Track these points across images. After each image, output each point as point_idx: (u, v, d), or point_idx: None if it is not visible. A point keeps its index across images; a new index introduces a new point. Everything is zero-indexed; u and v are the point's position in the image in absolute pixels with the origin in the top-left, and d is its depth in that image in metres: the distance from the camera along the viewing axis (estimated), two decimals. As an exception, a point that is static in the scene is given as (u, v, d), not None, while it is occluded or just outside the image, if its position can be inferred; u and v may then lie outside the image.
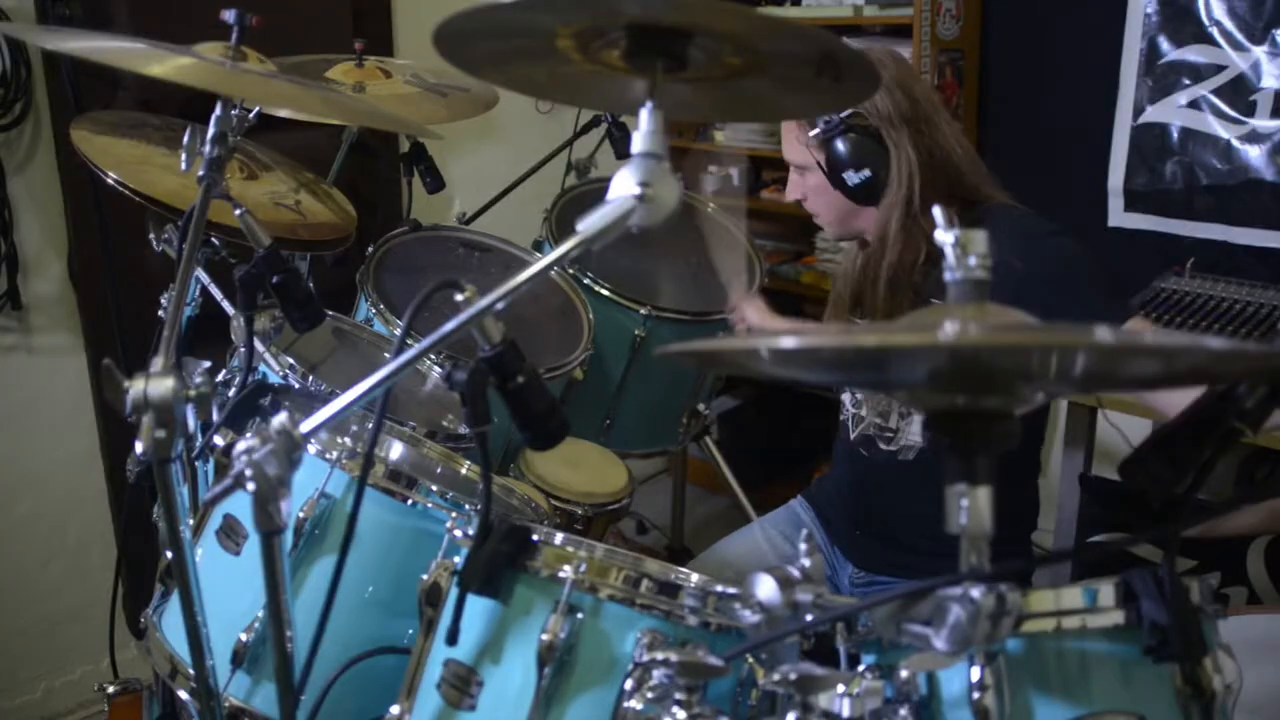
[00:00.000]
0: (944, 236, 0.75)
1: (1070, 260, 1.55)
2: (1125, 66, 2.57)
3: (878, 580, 1.77)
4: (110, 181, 1.53)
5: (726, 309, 2.13)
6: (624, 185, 0.85)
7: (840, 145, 1.60)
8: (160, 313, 1.72)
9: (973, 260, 0.74)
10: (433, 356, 1.75)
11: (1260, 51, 2.36)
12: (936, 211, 0.82)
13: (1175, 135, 2.52)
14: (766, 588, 0.93)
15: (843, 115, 1.59)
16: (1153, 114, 2.55)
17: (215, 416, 1.26)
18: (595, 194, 2.41)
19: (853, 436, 1.76)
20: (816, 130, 1.61)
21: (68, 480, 2.36)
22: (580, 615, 1.02)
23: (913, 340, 0.69)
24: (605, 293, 2.14)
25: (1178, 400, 1.27)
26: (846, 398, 1.80)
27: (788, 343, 0.71)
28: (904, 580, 1.71)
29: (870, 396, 1.75)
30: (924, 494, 1.71)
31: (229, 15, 1.28)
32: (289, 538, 1.23)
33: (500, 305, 0.88)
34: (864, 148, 1.59)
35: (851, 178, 1.61)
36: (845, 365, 0.84)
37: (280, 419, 0.81)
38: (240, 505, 1.27)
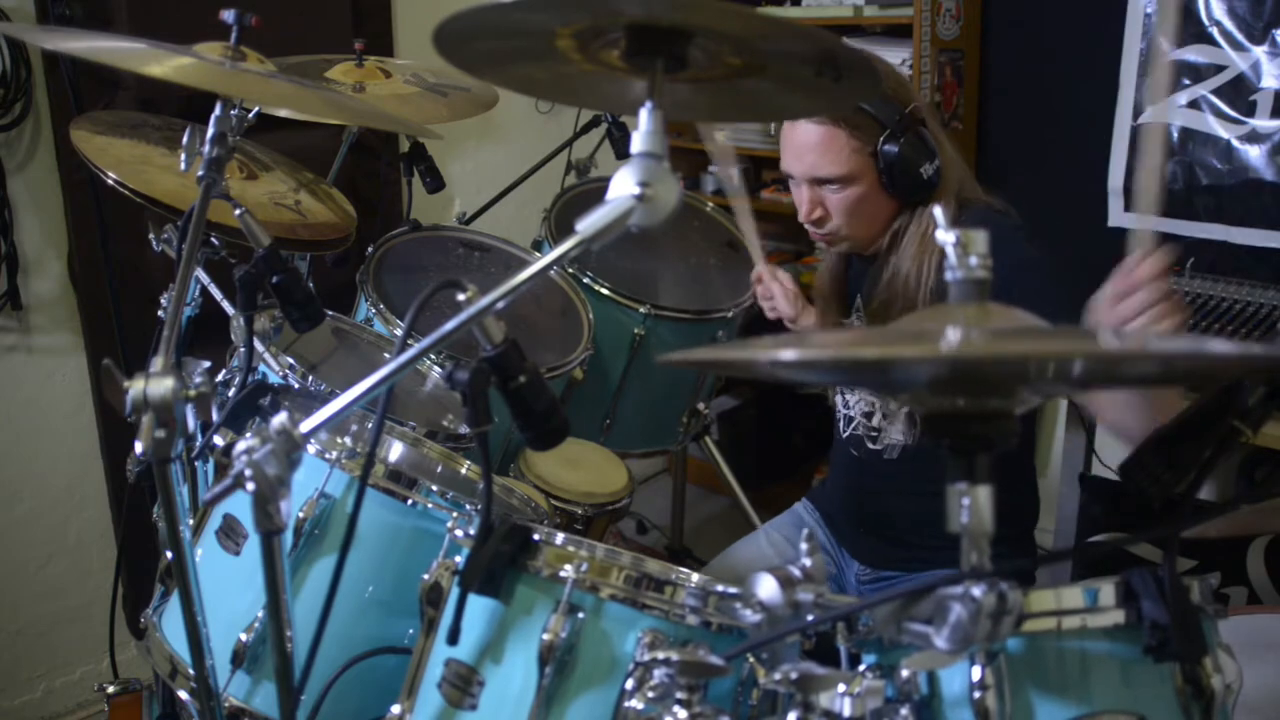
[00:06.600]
0: (945, 236, 0.75)
1: (1027, 262, 1.53)
2: (1125, 66, 2.57)
3: (884, 577, 1.77)
4: (110, 181, 1.53)
5: (752, 278, 1.97)
6: (624, 185, 0.85)
7: (905, 143, 1.55)
8: (160, 313, 1.72)
9: (974, 260, 0.74)
10: (433, 356, 1.75)
11: (1260, 51, 2.36)
12: (936, 211, 0.82)
13: (1175, 135, 2.53)
14: (767, 587, 0.93)
15: (904, 112, 1.55)
16: (1153, 114, 2.55)
17: (215, 416, 1.26)
18: (595, 194, 2.41)
19: (844, 436, 1.77)
20: (886, 132, 1.54)
21: (68, 480, 2.36)
22: (581, 615, 1.02)
23: (915, 352, 0.69)
24: (605, 292, 2.14)
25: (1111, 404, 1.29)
26: (839, 398, 1.80)
27: (787, 355, 0.71)
28: (909, 576, 1.72)
29: (857, 397, 1.75)
30: (911, 490, 1.73)
31: (229, 15, 1.28)
32: (289, 538, 1.23)
33: (501, 305, 0.88)
34: (923, 142, 1.56)
35: (927, 170, 1.56)
36: (846, 371, 0.84)
37: (280, 419, 0.81)
38: (240, 505, 1.27)
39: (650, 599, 1.01)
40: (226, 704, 1.23)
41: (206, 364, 1.16)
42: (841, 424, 1.79)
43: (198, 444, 1.25)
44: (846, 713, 0.85)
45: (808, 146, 1.59)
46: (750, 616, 0.96)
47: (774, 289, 1.92)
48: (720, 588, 1.03)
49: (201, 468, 1.44)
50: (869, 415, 1.73)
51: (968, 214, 1.62)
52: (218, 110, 1.21)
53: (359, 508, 1.05)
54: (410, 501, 1.26)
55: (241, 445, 0.80)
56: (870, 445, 1.73)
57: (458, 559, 1.09)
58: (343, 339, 1.86)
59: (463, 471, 1.51)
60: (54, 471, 2.33)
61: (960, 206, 1.62)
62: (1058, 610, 0.90)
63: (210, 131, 1.21)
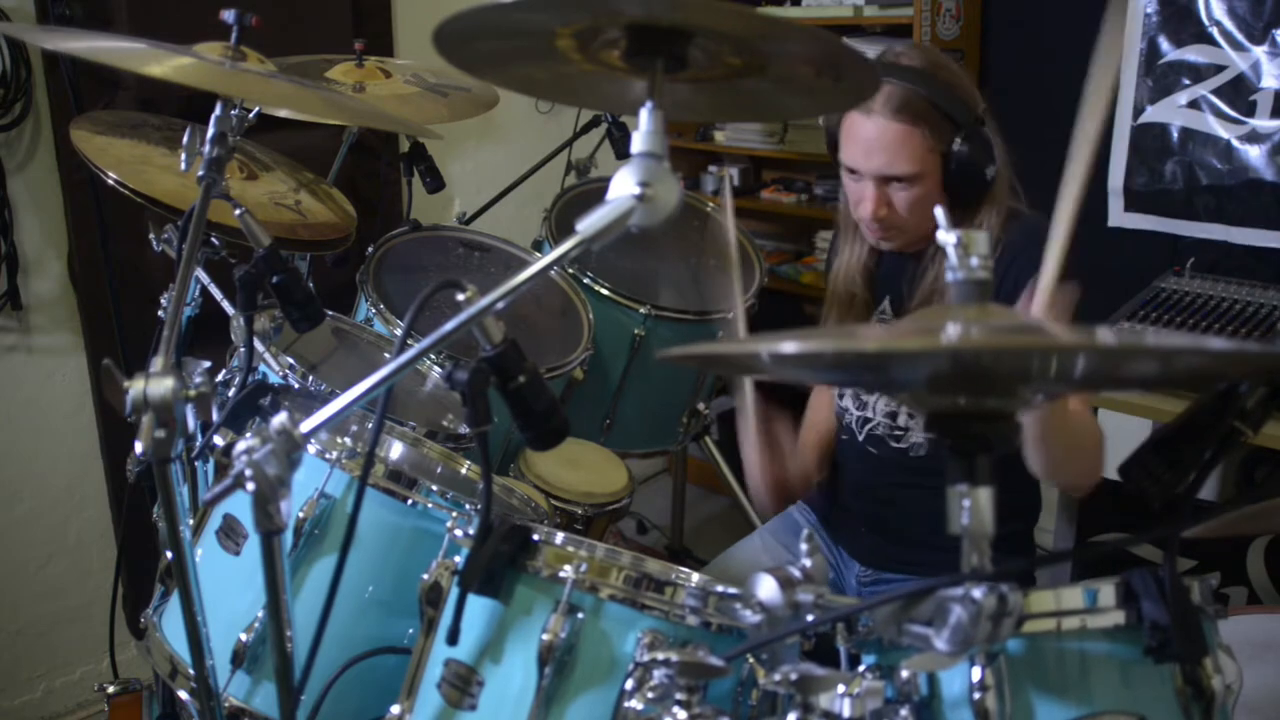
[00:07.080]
0: (945, 237, 0.75)
1: None
2: (1125, 66, 2.57)
3: (885, 578, 1.76)
4: (110, 181, 1.53)
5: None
6: (624, 185, 0.85)
7: (975, 141, 1.54)
8: (160, 313, 1.72)
9: (974, 261, 0.74)
10: (433, 356, 1.75)
11: (1260, 51, 2.36)
12: (937, 211, 0.82)
13: (1175, 135, 2.52)
14: (767, 588, 0.93)
15: (976, 112, 1.55)
16: (1153, 114, 2.55)
17: (215, 416, 1.26)
18: (595, 194, 2.41)
19: (861, 437, 1.76)
20: (962, 132, 1.53)
21: (68, 480, 2.36)
22: (581, 615, 1.02)
23: (916, 344, 0.69)
24: (605, 292, 2.14)
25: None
26: (848, 401, 1.79)
27: (788, 347, 0.71)
28: (911, 577, 1.71)
29: (878, 395, 1.74)
30: (937, 489, 1.71)
31: (229, 15, 1.28)
32: (289, 538, 1.23)
33: (501, 305, 0.88)
34: (988, 143, 1.56)
35: (990, 171, 1.55)
36: (846, 368, 0.84)
37: (280, 419, 0.81)
38: (240, 505, 1.27)
39: (650, 599, 1.01)
40: (226, 704, 1.23)
41: (206, 364, 1.15)
42: (856, 424, 1.76)
43: (198, 444, 1.25)
44: (846, 713, 0.85)
45: (881, 144, 1.53)
46: (750, 617, 0.96)
47: None
48: (720, 588, 1.03)
49: (201, 468, 1.44)
50: (893, 415, 1.72)
51: (1020, 226, 1.60)
52: (218, 110, 1.21)
53: (359, 508, 1.05)
54: (410, 501, 1.26)
55: (241, 445, 0.80)
56: (894, 444, 1.71)
57: (457, 559, 1.09)
58: (343, 339, 1.86)
59: (463, 471, 1.51)
60: (54, 471, 2.33)
61: (1010, 216, 1.61)
62: (1058, 611, 0.90)
63: (210, 131, 1.21)
